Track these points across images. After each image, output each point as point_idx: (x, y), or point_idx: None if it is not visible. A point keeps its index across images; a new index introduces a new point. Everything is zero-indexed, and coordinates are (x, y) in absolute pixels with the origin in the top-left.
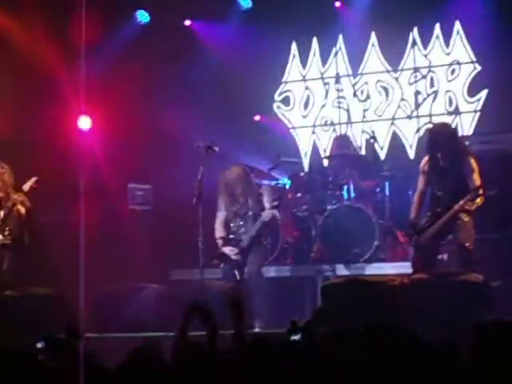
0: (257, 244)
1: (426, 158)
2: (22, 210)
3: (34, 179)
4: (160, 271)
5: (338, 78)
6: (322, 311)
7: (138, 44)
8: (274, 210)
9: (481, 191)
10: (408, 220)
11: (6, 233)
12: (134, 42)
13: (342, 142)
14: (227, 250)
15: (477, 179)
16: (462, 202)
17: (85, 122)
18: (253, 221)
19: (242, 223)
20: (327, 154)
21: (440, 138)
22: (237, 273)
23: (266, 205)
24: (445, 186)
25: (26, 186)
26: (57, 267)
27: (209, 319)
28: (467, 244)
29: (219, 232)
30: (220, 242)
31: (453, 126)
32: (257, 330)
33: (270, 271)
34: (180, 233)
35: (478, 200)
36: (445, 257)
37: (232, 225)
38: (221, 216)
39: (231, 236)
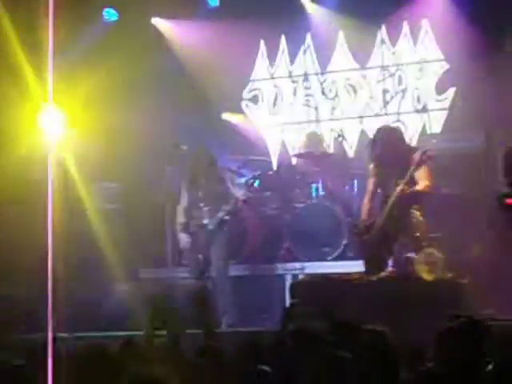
0: (223, 229)
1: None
2: None
3: None
4: (130, 270)
5: (306, 77)
6: (289, 309)
7: (105, 42)
8: (245, 191)
9: (424, 181)
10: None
11: None
12: (102, 40)
13: (313, 139)
14: (183, 236)
15: (415, 169)
16: (400, 187)
17: (53, 120)
18: (216, 204)
19: (204, 207)
20: (296, 152)
21: (380, 141)
22: (200, 257)
23: (232, 189)
24: (391, 185)
25: None
26: (22, 267)
27: (171, 319)
28: (424, 243)
29: (179, 217)
30: (179, 227)
31: (419, 124)
32: (224, 329)
33: (239, 269)
34: (149, 231)
35: (419, 187)
36: (413, 255)
37: (194, 211)
38: (182, 201)
39: (192, 222)
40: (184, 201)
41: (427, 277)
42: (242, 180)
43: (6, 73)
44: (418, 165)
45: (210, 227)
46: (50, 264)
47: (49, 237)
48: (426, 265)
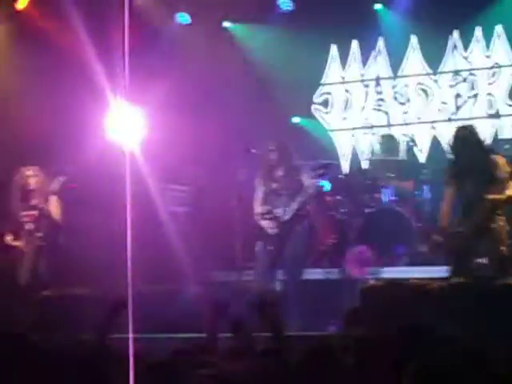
0: (296, 221)
1: (451, 164)
2: (54, 211)
3: (61, 179)
4: (200, 273)
5: (377, 81)
6: (355, 312)
7: (178, 45)
8: (316, 180)
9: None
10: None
11: (39, 235)
12: (174, 43)
13: (387, 143)
14: (265, 223)
15: (501, 173)
16: (490, 196)
17: (126, 123)
18: (291, 197)
19: (280, 199)
20: (366, 156)
21: (460, 142)
22: (272, 248)
23: (306, 181)
24: (474, 188)
25: (55, 187)
26: (95, 267)
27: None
28: (502, 247)
29: (257, 208)
30: (258, 217)
31: (491, 129)
32: (293, 333)
33: (308, 273)
34: (220, 234)
35: (508, 191)
36: (484, 260)
37: (270, 202)
38: (259, 193)
39: (270, 212)
40: (260, 192)
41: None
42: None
43: (82, 75)
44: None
45: (286, 217)
46: (129, 265)
47: (128, 238)
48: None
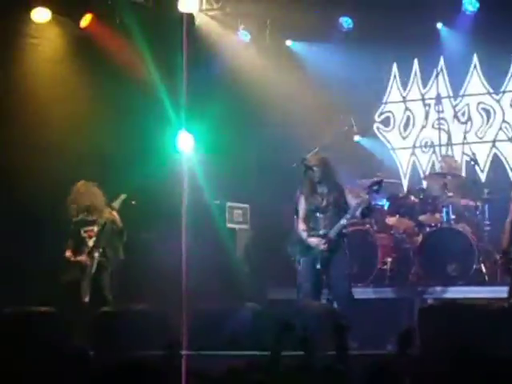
0: (342, 239)
1: None
2: (115, 227)
3: (122, 196)
4: (258, 290)
5: (438, 100)
6: (409, 332)
7: (239, 62)
8: (368, 197)
9: None
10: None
11: (99, 251)
12: (235, 60)
13: (448, 162)
14: (315, 240)
15: None
16: None
17: (185, 140)
18: (336, 214)
19: (324, 216)
20: (427, 175)
21: None
22: (318, 266)
23: (352, 200)
24: None
25: (116, 204)
26: (156, 284)
27: (303, 341)
28: None
29: (301, 225)
30: (304, 234)
31: None
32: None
33: (368, 292)
34: (278, 251)
35: None
36: None
37: (312, 219)
38: (301, 210)
39: (315, 229)
40: (302, 208)
41: None
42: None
43: (146, 100)
44: None
45: (332, 235)
46: (184, 282)
47: (183, 255)
48: None
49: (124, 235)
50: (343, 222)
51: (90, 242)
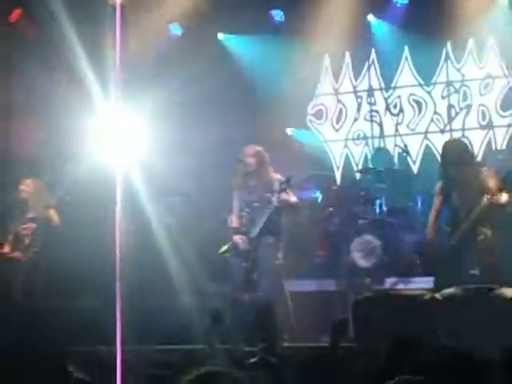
0: (266, 235)
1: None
2: (52, 224)
3: (59, 193)
4: (191, 284)
5: (370, 92)
6: (342, 323)
7: (171, 56)
8: (283, 193)
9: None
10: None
11: (35, 249)
12: (167, 55)
13: (379, 154)
14: (236, 238)
15: (493, 183)
16: (485, 199)
17: (117, 133)
18: (261, 210)
19: (251, 212)
20: (359, 167)
21: (450, 153)
22: (245, 265)
23: (273, 195)
24: (461, 200)
25: (53, 201)
26: (90, 280)
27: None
28: (490, 259)
29: (231, 222)
30: (231, 231)
31: (484, 140)
32: (285, 344)
33: (301, 285)
34: (214, 246)
35: (503, 197)
36: (476, 272)
37: (243, 214)
38: (234, 205)
39: (243, 227)
40: (235, 203)
41: (506, 293)
42: (306, 194)
43: (73, 86)
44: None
45: (253, 234)
46: (118, 276)
47: (117, 249)
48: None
49: (61, 233)
50: (262, 220)
51: (27, 240)
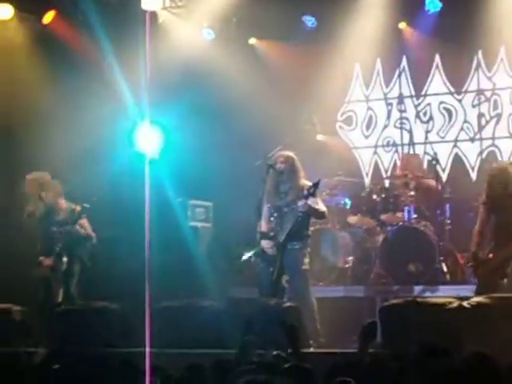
0: (293, 241)
1: (486, 190)
2: (82, 231)
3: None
4: (220, 288)
5: (401, 99)
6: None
7: (202, 60)
8: (309, 199)
9: None
10: (470, 250)
11: (67, 255)
12: (198, 58)
13: (409, 161)
14: (264, 243)
15: None
16: None
17: (148, 137)
18: (290, 216)
19: (280, 218)
20: (389, 174)
21: (497, 180)
22: (272, 270)
23: (299, 201)
24: (507, 215)
25: (83, 209)
26: (119, 282)
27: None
28: None
29: (260, 227)
30: (258, 236)
31: None
32: (312, 349)
33: (330, 291)
34: (240, 250)
35: None
36: (505, 281)
37: (272, 219)
38: (264, 211)
39: (271, 232)
40: (265, 208)
41: None
42: (335, 200)
43: (106, 92)
44: None
45: (281, 239)
46: (148, 280)
47: (146, 253)
48: None
49: (92, 241)
50: (289, 226)
51: (58, 247)
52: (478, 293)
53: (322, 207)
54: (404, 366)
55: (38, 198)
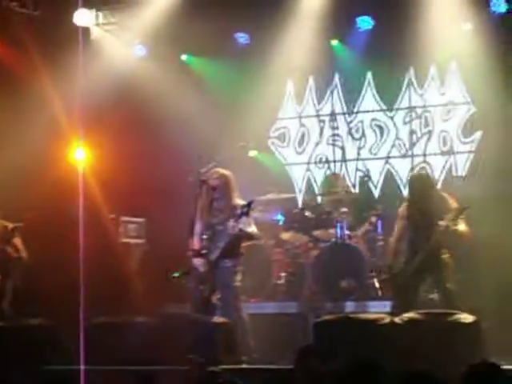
0: (224, 259)
1: (405, 204)
2: (12, 250)
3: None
4: (153, 305)
5: (333, 116)
6: (308, 347)
7: (134, 76)
8: (241, 220)
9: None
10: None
11: None
12: (130, 74)
13: (333, 180)
14: (195, 260)
15: (451, 204)
16: (443, 222)
17: (81, 154)
18: (224, 233)
19: (212, 236)
20: (321, 191)
21: (419, 187)
22: (203, 287)
23: (229, 222)
24: (422, 225)
25: (16, 229)
26: (51, 299)
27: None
28: (448, 285)
29: (192, 245)
30: (190, 253)
31: (445, 166)
32: (244, 365)
33: (262, 307)
34: (173, 266)
35: (461, 226)
36: (435, 296)
37: (204, 237)
38: (197, 228)
39: (203, 250)
40: (198, 225)
41: (462, 318)
42: (267, 217)
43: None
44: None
45: (212, 258)
46: (82, 296)
47: (80, 269)
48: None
49: (23, 260)
50: (221, 245)
51: None
52: (393, 307)
53: (252, 229)
54: (338, 382)
55: None
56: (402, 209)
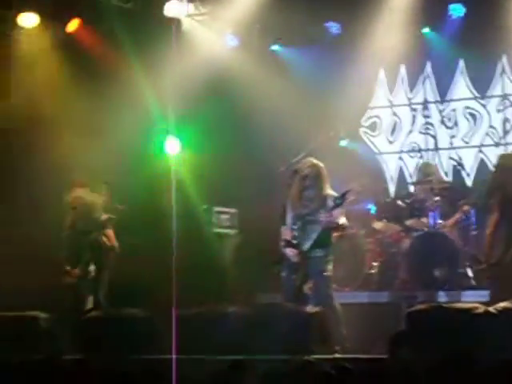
0: (316, 248)
1: (494, 192)
2: (110, 241)
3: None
4: (246, 294)
5: (425, 105)
6: (402, 335)
7: (226, 67)
8: (335, 210)
9: None
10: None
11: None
12: (222, 65)
13: (427, 169)
14: (288, 250)
15: None
16: None
17: (173, 145)
18: (315, 224)
19: (303, 226)
20: (413, 180)
21: (506, 170)
22: (295, 277)
23: (322, 214)
24: None
25: (108, 219)
26: (145, 289)
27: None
28: None
29: (284, 235)
30: (282, 243)
31: None
32: (337, 355)
33: (355, 296)
34: (265, 256)
35: None
36: None
37: (295, 227)
38: (288, 218)
39: (294, 240)
40: (289, 216)
41: None
42: (359, 206)
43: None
44: None
45: (305, 247)
46: (174, 287)
47: (173, 259)
48: None
49: (115, 250)
50: (314, 235)
51: (85, 257)
52: (492, 295)
53: (343, 220)
54: (432, 372)
55: (73, 210)
56: (495, 197)
